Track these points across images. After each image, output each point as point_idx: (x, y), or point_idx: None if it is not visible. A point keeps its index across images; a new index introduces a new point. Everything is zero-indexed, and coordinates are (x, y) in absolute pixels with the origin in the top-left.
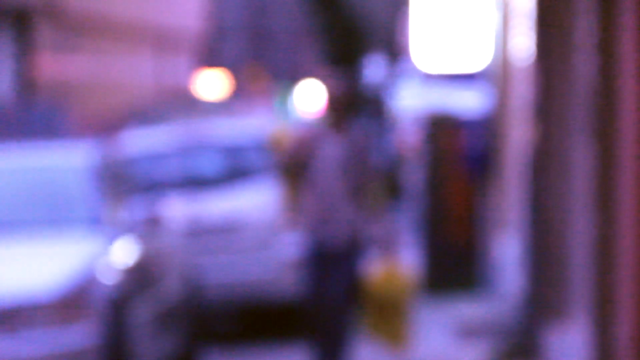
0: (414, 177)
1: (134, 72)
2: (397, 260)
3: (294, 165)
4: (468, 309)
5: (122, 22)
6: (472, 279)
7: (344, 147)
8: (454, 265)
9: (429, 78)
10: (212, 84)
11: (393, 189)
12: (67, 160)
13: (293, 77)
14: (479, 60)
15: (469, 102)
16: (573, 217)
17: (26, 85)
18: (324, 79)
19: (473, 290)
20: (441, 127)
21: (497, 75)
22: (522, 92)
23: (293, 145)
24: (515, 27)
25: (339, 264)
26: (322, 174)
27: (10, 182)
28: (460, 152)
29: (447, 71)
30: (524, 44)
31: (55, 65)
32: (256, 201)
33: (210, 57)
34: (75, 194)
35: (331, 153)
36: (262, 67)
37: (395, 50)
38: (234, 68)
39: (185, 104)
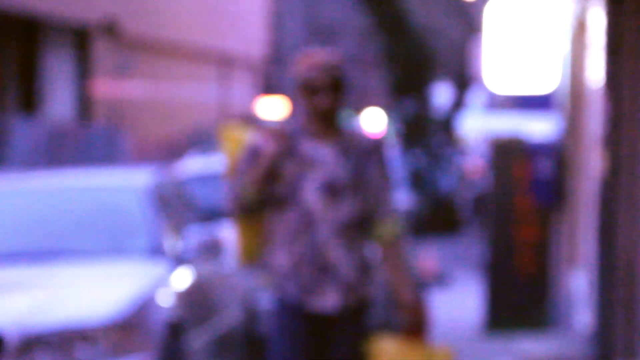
0: (479, 205)
1: (196, 95)
2: (427, 338)
3: (254, 185)
4: (534, 348)
5: (185, 45)
6: (539, 315)
7: (337, 157)
8: (521, 300)
9: (498, 104)
10: (273, 109)
11: (453, 217)
12: (127, 185)
13: (357, 105)
14: (550, 83)
15: (539, 128)
16: None
17: (86, 106)
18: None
19: (540, 327)
20: (508, 153)
21: (569, 101)
22: (595, 119)
23: (252, 151)
24: (588, 51)
25: (332, 337)
26: (304, 199)
27: (69, 207)
28: (528, 180)
29: (518, 93)
30: (596, 69)
31: (115, 87)
32: None
33: (271, 83)
34: (135, 218)
35: (319, 166)
36: None
37: (464, 76)
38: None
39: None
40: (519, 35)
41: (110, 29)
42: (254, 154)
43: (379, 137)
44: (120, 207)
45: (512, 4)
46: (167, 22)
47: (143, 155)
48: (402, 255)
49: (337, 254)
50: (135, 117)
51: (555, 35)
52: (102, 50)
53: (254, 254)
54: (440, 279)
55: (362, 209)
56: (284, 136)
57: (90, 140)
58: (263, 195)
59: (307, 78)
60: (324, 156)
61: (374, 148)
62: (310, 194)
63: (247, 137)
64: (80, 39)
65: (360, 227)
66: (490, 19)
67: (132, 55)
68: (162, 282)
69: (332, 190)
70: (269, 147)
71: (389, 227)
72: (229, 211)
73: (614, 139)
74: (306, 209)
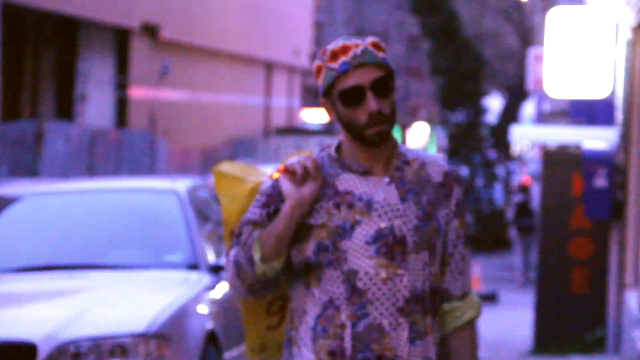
0: (531, 218)
1: (238, 103)
2: None
3: (274, 251)
4: None
5: (229, 52)
6: (594, 338)
7: (396, 195)
8: (574, 322)
9: (550, 116)
10: (317, 118)
11: (502, 232)
12: (166, 195)
13: (406, 118)
14: (607, 91)
15: (591, 142)
16: None
17: (124, 111)
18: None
19: (595, 351)
20: (561, 162)
21: (625, 111)
22: None
23: (269, 197)
24: None
25: None
26: (347, 263)
27: (107, 216)
28: (582, 192)
29: (575, 98)
30: None
31: (154, 92)
32: None
33: (316, 95)
34: (173, 228)
35: (369, 212)
36: None
37: (517, 88)
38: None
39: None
40: (577, 43)
41: (151, 33)
42: (272, 201)
43: (451, 166)
44: (158, 217)
45: (571, 13)
46: (209, 28)
47: (182, 163)
48: (474, 349)
49: (399, 346)
50: (175, 123)
51: (612, 44)
52: (141, 54)
53: (268, 348)
54: (488, 298)
55: (435, 277)
56: (318, 168)
57: (128, 146)
58: (285, 266)
59: (337, 74)
60: (375, 196)
61: (448, 182)
62: (357, 256)
63: (254, 177)
64: (120, 42)
65: (432, 304)
66: (551, 27)
67: (172, 60)
68: (200, 292)
69: (390, 248)
70: (296, 189)
71: (464, 310)
72: (233, 290)
73: None
74: (350, 279)
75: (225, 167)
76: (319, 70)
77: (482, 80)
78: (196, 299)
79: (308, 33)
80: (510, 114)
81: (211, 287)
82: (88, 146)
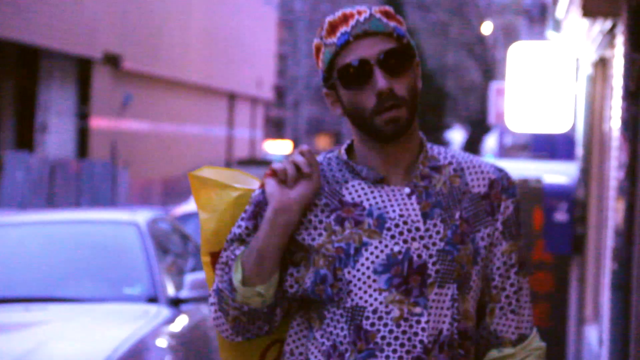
0: None
1: (201, 133)
2: None
3: (264, 273)
4: None
5: (191, 83)
6: None
7: (418, 209)
8: None
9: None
10: (280, 148)
11: None
12: (125, 226)
13: None
14: (567, 125)
15: (554, 173)
16: None
17: (85, 141)
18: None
19: None
20: (522, 197)
21: (586, 146)
22: (613, 166)
23: (258, 207)
24: (607, 95)
25: None
26: (353, 297)
27: (66, 248)
28: (542, 226)
29: (536, 132)
30: (615, 113)
31: (115, 122)
32: None
33: (278, 127)
34: (133, 260)
35: (381, 230)
36: (332, 139)
37: (480, 121)
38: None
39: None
40: (539, 77)
41: (113, 63)
42: (263, 210)
43: (501, 173)
44: (118, 249)
45: (533, 48)
46: (172, 58)
47: (144, 194)
48: None
49: None
50: (136, 154)
51: (573, 79)
52: (103, 84)
53: None
54: None
55: (468, 317)
56: (315, 165)
57: (89, 177)
58: (277, 295)
59: (336, 49)
60: (389, 210)
61: (495, 193)
62: (363, 288)
63: (243, 184)
64: (82, 72)
65: (464, 354)
66: (512, 61)
67: (134, 90)
68: (159, 326)
69: (406, 279)
70: (282, 190)
71: (519, 359)
72: (218, 329)
73: (629, 187)
74: (355, 318)
75: (207, 172)
76: (317, 51)
77: (445, 113)
78: (155, 333)
79: (271, 65)
80: (472, 147)
81: (171, 320)
82: (48, 176)
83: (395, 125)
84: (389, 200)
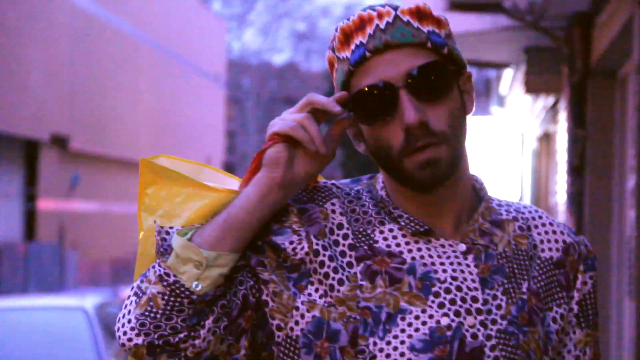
0: None
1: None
2: None
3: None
4: None
5: (138, 162)
6: None
7: (472, 272)
8: None
9: None
10: None
11: None
12: (73, 310)
13: None
14: (513, 198)
15: None
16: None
17: (33, 223)
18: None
19: None
20: None
21: None
22: None
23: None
24: (552, 169)
25: None
26: None
27: (12, 336)
28: None
29: None
30: (560, 186)
31: (63, 203)
32: None
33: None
34: (80, 342)
35: (423, 295)
36: None
37: None
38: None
39: None
40: (485, 151)
41: (61, 144)
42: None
43: (578, 237)
44: (65, 335)
45: (479, 122)
46: (120, 138)
47: (92, 275)
48: None
49: None
50: (84, 235)
51: (519, 153)
52: (51, 166)
53: None
54: None
55: None
56: (331, 141)
57: (36, 260)
58: (218, 292)
59: (350, 68)
60: (438, 270)
61: (571, 262)
62: None
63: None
64: (29, 154)
65: None
66: None
67: (82, 170)
68: None
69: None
70: (288, 159)
71: None
72: (116, 332)
73: None
74: None
75: (164, 161)
76: (330, 67)
77: None
78: None
79: (220, 142)
80: None
81: None
82: None
83: (433, 169)
84: (438, 257)
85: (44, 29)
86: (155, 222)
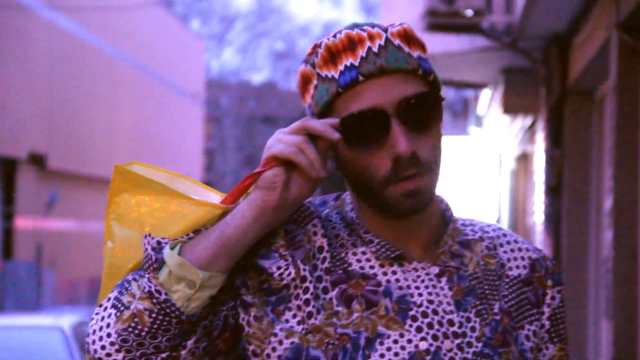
0: None
1: None
2: None
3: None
4: None
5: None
6: None
7: (447, 295)
8: None
9: None
10: None
11: None
12: (50, 330)
13: None
14: (492, 217)
15: None
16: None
17: (11, 244)
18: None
19: None
20: None
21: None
22: None
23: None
24: (529, 189)
25: None
26: None
27: None
28: None
29: None
30: (537, 207)
31: (41, 222)
32: None
33: None
34: None
35: (400, 319)
36: None
37: None
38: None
39: None
40: (463, 171)
41: (38, 162)
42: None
43: (541, 252)
44: (42, 355)
45: (457, 143)
46: (98, 156)
47: (70, 294)
48: None
49: None
50: (62, 254)
51: (496, 173)
52: (28, 184)
53: None
54: None
55: None
56: (323, 165)
57: (13, 279)
58: (204, 314)
59: (337, 90)
60: (413, 294)
61: (539, 278)
62: None
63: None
64: (6, 172)
65: None
66: None
67: (59, 189)
68: None
69: None
70: (285, 182)
71: None
72: (88, 345)
73: None
74: None
75: (138, 168)
76: (305, 81)
77: None
78: None
79: (198, 160)
80: None
81: None
82: None
83: (415, 199)
84: (413, 281)
85: (23, 47)
86: (148, 233)
